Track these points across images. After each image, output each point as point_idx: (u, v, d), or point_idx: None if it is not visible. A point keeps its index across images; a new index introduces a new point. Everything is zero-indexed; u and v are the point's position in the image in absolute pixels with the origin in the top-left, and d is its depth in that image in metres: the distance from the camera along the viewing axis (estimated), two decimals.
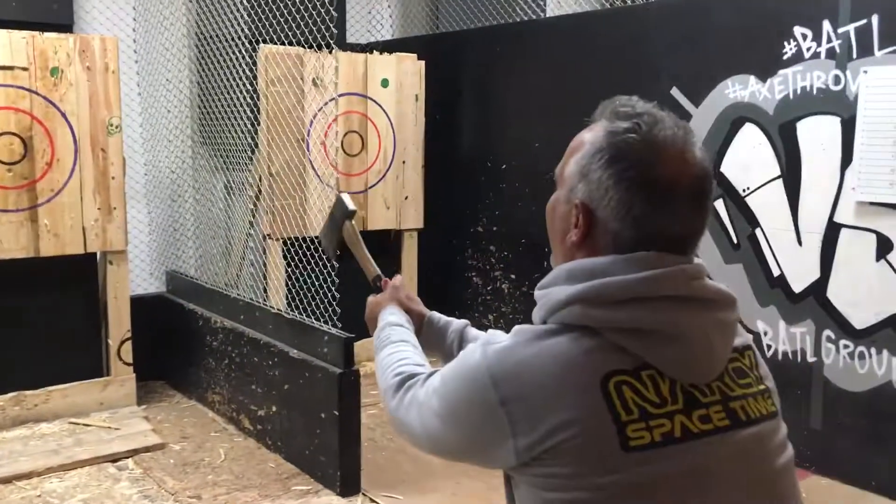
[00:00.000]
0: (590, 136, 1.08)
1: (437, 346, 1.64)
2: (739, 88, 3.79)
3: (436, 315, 1.68)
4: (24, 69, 3.94)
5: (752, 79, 3.74)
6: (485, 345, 1.09)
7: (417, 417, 1.18)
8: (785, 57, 3.60)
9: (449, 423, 1.12)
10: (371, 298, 1.68)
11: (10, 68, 3.90)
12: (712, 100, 3.89)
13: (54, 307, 4.29)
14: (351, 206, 1.78)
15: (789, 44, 3.58)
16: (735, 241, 3.87)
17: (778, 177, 3.70)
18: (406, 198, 5.19)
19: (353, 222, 1.80)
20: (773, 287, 3.75)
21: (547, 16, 5.34)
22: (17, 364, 4.15)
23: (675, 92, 4.01)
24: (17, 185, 3.96)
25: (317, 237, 1.86)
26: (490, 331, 1.23)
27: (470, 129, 5.36)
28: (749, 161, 3.79)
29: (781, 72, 3.61)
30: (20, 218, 3.98)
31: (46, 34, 4.02)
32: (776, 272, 3.73)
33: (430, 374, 1.23)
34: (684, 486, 0.99)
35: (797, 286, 3.67)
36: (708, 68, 3.90)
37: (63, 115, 4.06)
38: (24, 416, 4.12)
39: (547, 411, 0.99)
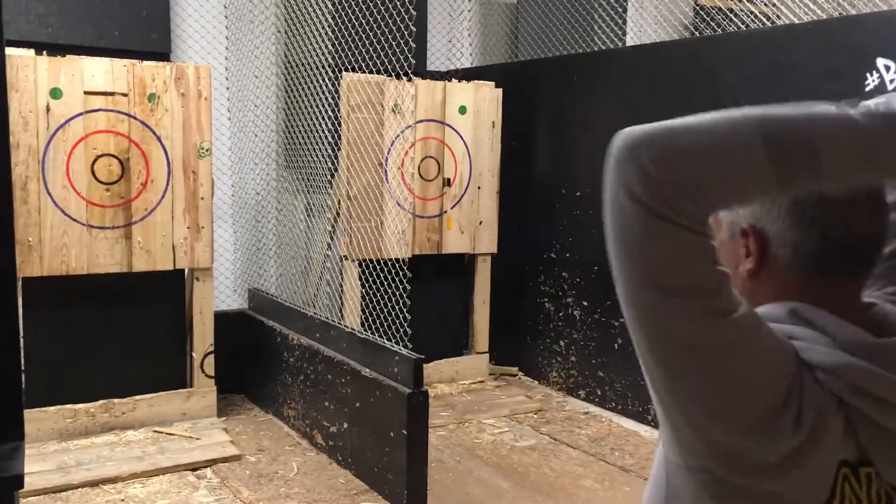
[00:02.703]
0: None
1: None
2: None
3: None
4: (124, 95, 4.20)
5: None
6: None
7: None
8: (867, 89, 3.54)
9: None
10: None
11: (112, 94, 4.17)
12: None
13: (144, 320, 4.52)
14: None
15: (871, 76, 3.52)
16: None
17: None
18: (480, 223, 5.27)
19: None
20: None
21: (626, 45, 5.37)
22: (108, 373, 4.39)
23: None
24: (114, 203, 4.22)
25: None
26: None
27: (545, 157, 5.42)
28: None
29: (863, 104, 3.55)
30: (116, 235, 4.23)
31: (145, 62, 4.29)
32: None
33: None
34: None
35: None
36: (789, 100, 3.85)
37: (158, 138, 4.30)
38: (113, 422, 4.35)
39: None
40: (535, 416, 4.86)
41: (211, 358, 4.59)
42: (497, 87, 5.22)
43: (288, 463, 4.10)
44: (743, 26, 5.25)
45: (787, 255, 0.95)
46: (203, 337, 4.58)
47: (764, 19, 5.47)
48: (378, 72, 4.61)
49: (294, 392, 4.51)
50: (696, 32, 5.37)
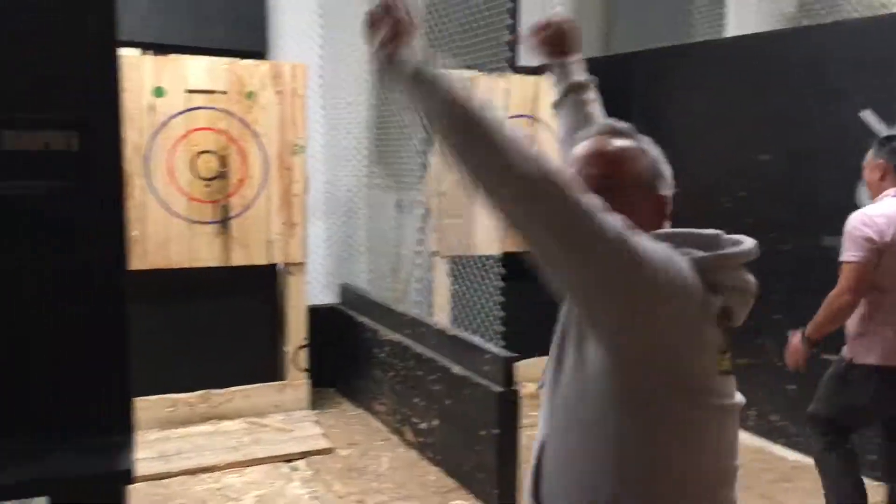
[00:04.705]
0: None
1: None
2: None
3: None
4: (224, 93, 4.30)
5: None
6: None
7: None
8: None
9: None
10: None
11: (212, 92, 4.28)
12: None
13: (239, 313, 4.63)
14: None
15: None
16: None
17: None
18: None
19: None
20: None
21: (726, 35, 5.17)
22: (205, 363, 4.51)
23: (865, 114, 3.76)
24: (213, 199, 4.33)
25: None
26: None
27: None
28: None
29: None
30: (214, 230, 4.34)
31: (244, 61, 4.38)
32: None
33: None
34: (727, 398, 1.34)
35: None
36: None
37: (255, 135, 4.39)
38: (210, 412, 4.46)
39: None
40: None
41: (304, 352, 4.66)
42: None
43: (379, 458, 4.12)
44: (851, 14, 4.98)
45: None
46: (296, 331, 4.65)
47: (875, 5, 5.17)
48: (469, 67, 4.57)
49: (384, 387, 4.53)
50: (800, 21, 5.13)
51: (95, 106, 1.53)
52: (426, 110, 1.25)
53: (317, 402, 4.83)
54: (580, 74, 1.80)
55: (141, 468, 3.86)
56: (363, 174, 5.21)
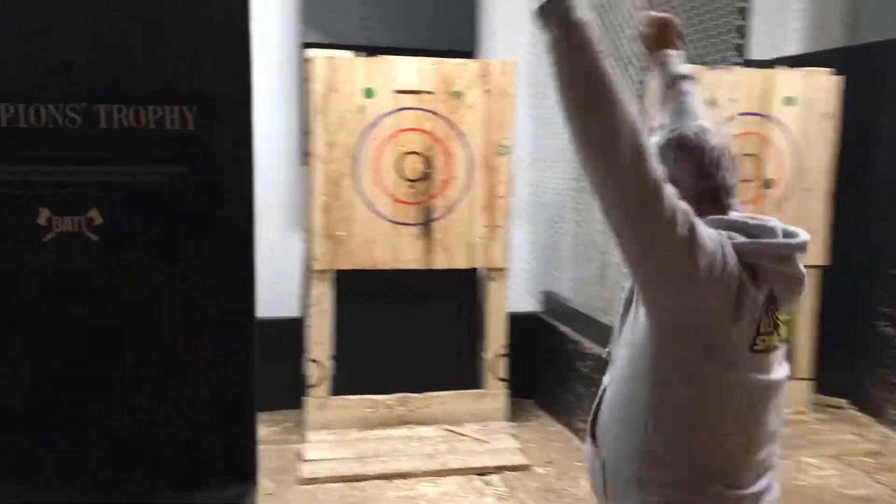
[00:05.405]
0: None
1: None
2: None
3: None
4: (430, 93, 4.22)
5: None
6: None
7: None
8: None
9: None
10: None
11: (419, 92, 4.21)
12: None
13: (439, 317, 4.53)
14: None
15: None
16: None
17: None
18: (808, 230, 4.58)
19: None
20: None
21: None
22: (404, 366, 4.46)
23: None
24: (417, 200, 4.26)
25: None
26: None
27: (891, 154, 4.58)
28: None
29: None
30: (417, 231, 4.27)
31: (452, 60, 4.28)
32: None
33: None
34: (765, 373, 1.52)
35: None
36: None
37: (461, 135, 4.27)
38: (407, 416, 4.40)
39: None
40: (871, 460, 4.10)
41: (503, 360, 4.49)
42: (833, 74, 4.50)
43: (578, 480, 3.84)
44: None
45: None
46: (496, 338, 4.49)
47: None
48: (693, 61, 4.16)
49: (586, 403, 4.23)
50: None
51: (217, 78, 1.22)
52: (565, 55, 1.28)
53: (514, 414, 4.63)
54: (680, 68, 1.92)
55: (339, 468, 3.88)
56: (571, 177, 4.95)
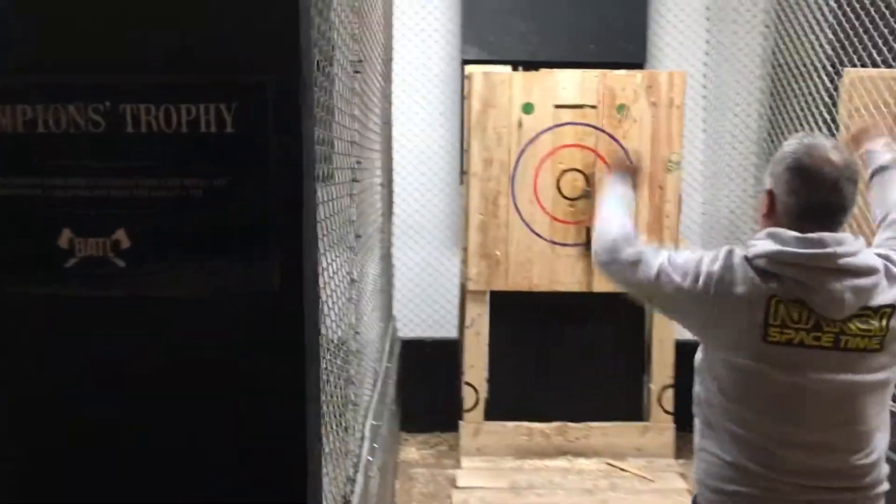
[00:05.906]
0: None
1: None
2: None
3: None
4: (593, 107, 4.02)
5: None
6: None
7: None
8: None
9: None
10: None
11: (581, 107, 4.02)
12: None
13: (600, 343, 4.28)
14: None
15: None
16: None
17: None
18: None
19: None
20: None
21: None
22: (562, 393, 4.25)
23: None
24: (577, 220, 4.06)
25: None
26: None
27: None
28: None
29: None
30: (577, 252, 4.06)
31: (617, 72, 4.05)
32: None
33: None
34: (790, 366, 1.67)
35: None
36: None
37: (626, 151, 4.02)
38: (566, 447, 4.18)
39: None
40: None
41: (670, 392, 4.16)
42: None
43: None
44: None
45: (782, 209, 1.73)
46: (662, 367, 4.17)
47: None
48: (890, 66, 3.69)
49: None
50: None
51: (260, 70, 1.02)
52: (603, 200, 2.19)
53: (682, 450, 4.27)
54: (881, 159, 2.09)
55: (492, 498, 3.73)
56: (749, 194, 4.55)
